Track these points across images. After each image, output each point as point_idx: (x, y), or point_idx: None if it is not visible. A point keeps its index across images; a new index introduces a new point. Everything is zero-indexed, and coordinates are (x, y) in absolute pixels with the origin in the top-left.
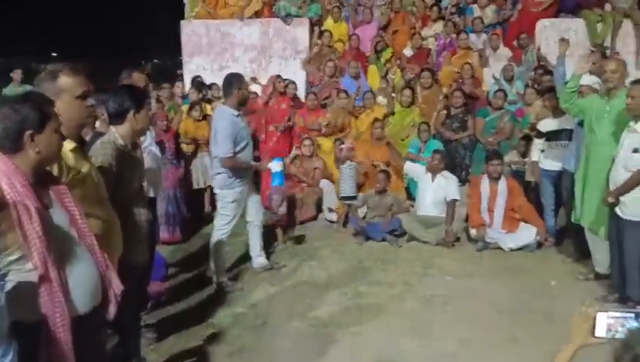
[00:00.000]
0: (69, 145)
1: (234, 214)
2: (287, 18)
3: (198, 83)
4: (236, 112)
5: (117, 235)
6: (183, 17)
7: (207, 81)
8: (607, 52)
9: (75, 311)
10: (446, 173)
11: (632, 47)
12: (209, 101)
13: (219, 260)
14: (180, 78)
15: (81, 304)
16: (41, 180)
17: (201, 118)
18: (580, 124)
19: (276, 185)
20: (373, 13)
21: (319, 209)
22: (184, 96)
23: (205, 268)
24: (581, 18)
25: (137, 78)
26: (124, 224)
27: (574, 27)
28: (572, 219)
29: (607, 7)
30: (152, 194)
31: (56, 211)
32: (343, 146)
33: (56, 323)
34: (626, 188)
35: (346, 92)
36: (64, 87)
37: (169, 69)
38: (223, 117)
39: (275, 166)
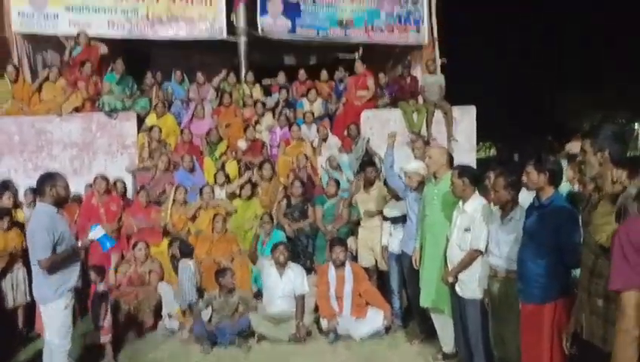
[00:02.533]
0: None
1: (69, 323)
2: (111, 113)
3: (6, 185)
4: (54, 209)
5: None
6: None
7: (20, 183)
8: (426, 138)
9: None
10: (293, 265)
11: (444, 133)
12: (19, 206)
13: None
14: None
15: None
16: None
17: (10, 227)
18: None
19: (110, 248)
20: (204, 108)
21: (158, 316)
22: None
23: None
24: (399, 109)
25: None
26: None
27: (393, 117)
28: (416, 300)
29: (420, 99)
30: None
31: None
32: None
33: None
34: (462, 266)
35: (184, 187)
36: None
37: None
38: (38, 214)
39: (96, 233)
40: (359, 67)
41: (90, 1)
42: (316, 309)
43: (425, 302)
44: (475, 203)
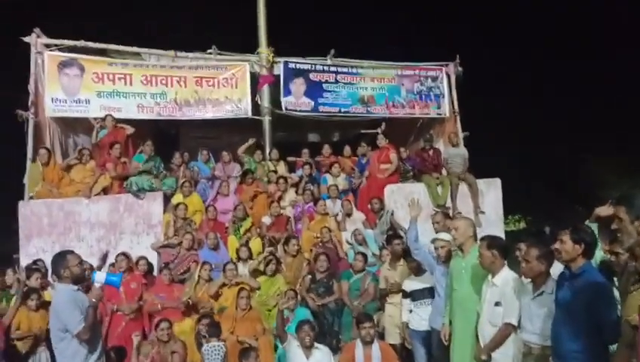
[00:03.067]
0: None
1: None
2: (139, 193)
3: (36, 267)
4: (75, 287)
5: None
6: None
7: (49, 264)
8: (450, 212)
9: None
10: (320, 345)
11: (470, 206)
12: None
13: None
14: (16, 262)
15: None
16: None
17: (38, 307)
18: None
19: (117, 285)
20: (229, 185)
21: None
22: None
23: None
24: (422, 183)
25: None
26: None
27: (417, 191)
28: None
29: (444, 172)
30: None
31: None
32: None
33: None
34: (495, 343)
35: (209, 264)
36: None
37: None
38: (60, 294)
39: (100, 277)
40: (381, 141)
41: (121, 88)
42: None
43: None
44: (505, 276)
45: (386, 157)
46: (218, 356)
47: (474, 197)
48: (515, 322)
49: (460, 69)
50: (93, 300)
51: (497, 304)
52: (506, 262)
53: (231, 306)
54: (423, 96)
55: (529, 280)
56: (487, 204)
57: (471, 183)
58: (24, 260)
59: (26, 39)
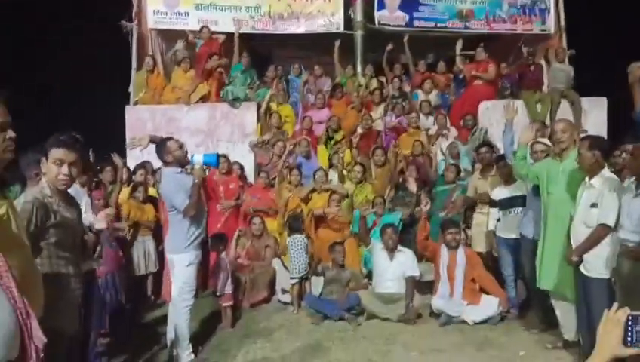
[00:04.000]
0: None
1: (193, 280)
2: (234, 102)
3: (142, 163)
4: (178, 170)
5: (36, 290)
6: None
7: (153, 166)
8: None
9: None
10: (403, 248)
11: None
12: (152, 185)
13: (184, 338)
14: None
15: None
16: None
17: (144, 200)
18: (534, 189)
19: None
20: (324, 98)
21: (272, 290)
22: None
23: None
24: (520, 100)
25: None
26: (48, 285)
27: (515, 107)
28: (536, 286)
29: (544, 88)
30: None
31: None
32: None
33: None
34: (588, 244)
35: (298, 169)
36: None
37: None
38: (166, 176)
39: (198, 159)
40: (480, 54)
41: (218, 1)
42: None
43: (545, 284)
44: (604, 177)
45: (484, 68)
46: (301, 247)
47: (576, 116)
48: (611, 223)
49: None
50: (196, 180)
51: (593, 205)
52: (606, 164)
53: (320, 210)
54: (527, 11)
55: (632, 180)
56: (591, 124)
57: (574, 100)
58: (130, 162)
59: None
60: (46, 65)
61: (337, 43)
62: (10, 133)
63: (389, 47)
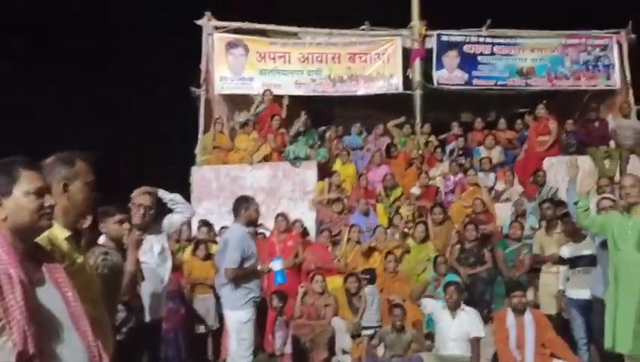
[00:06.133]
0: (62, 233)
1: (251, 337)
2: (295, 161)
3: (207, 221)
4: (246, 229)
5: (108, 339)
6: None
7: (216, 225)
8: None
9: None
10: (466, 307)
11: None
12: (215, 242)
13: None
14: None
15: None
16: (33, 255)
17: (205, 257)
18: (603, 246)
19: (279, 283)
20: (382, 156)
21: (332, 351)
22: (189, 240)
23: None
24: (587, 156)
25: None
26: None
27: (580, 164)
28: (605, 347)
29: (612, 143)
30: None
31: (48, 289)
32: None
33: None
34: None
35: (358, 226)
36: (79, 172)
37: None
38: (233, 231)
39: (275, 265)
40: (541, 111)
41: (280, 65)
42: (494, 360)
43: (621, 347)
44: None
45: (545, 128)
46: (375, 298)
47: None
48: None
49: (632, 36)
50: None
51: None
52: None
53: (379, 268)
54: (590, 67)
55: None
56: None
57: None
58: (194, 220)
59: (199, 22)
60: (119, 129)
61: (401, 119)
62: (50, 201)
63: None
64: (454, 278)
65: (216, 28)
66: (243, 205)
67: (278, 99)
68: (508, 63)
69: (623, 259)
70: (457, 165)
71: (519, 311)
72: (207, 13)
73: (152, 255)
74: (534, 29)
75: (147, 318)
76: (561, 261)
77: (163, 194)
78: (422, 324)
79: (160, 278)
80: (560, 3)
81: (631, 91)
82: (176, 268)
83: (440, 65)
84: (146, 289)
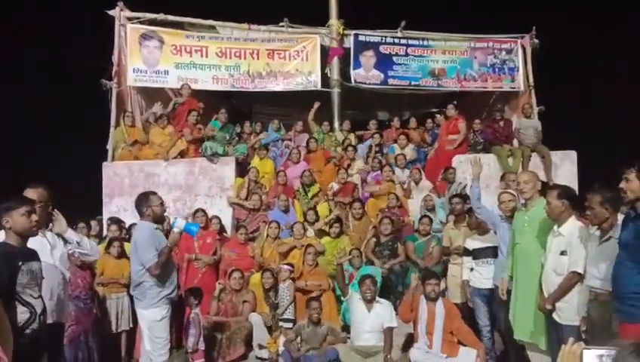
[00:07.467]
0: None
1: (166, 335)
2: (213, 157)
3: (117, 219)
4: (154, 226)
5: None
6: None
7: (128, 221)
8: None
9: None
10: (381, 300)
11: (543, 178)
12: (127, 241)
13: None
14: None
15: None
16: None
17: (119, 255)
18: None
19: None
20: (300, 153)
21: (249, 346)
22: (99, 237)
23: None
24: (492, 154)
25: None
26: None
27: (487, 161)
28: (511, 337)
29: (515, 143)
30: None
31: None
32: (283, 266)
33: None
34: (560, 292)
35: (277, 223)
36: None
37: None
38: (141, 229)
39: (179, 224)
40: (451, 111)
41: (197, 59)
42: (405, 346)
43: (520, 334)
44: (572, 225)
45: (455, 127)
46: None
47: (547, 170)
48: (581, 270)
49: (536, 41)
50: (168, 245)
51: (563, 253)
52: (574, 212)
53: (298, 263)
54: (497, 70)
55: (596, 227)
56: (562, 177)
57: (544, 154)
58: (105, 217)
59: (111, 12)
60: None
61: (316, 105)
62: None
63: None
64: (369, 271)
65: (129, 19)
66: (144, 203)
67: (196, 93)
68: (421, 64)
69: (520, 250)
70: (377, 162)
71: (432, 299)
72: (120, 3)
73: (52, 254)
74: (446, 32)
75: (50, 320)
76: (466, 252)
77: (70, 235)
78: (337, 318)
79: (62, 277)
80: (470, 8)
81: (533, 93)
82: (87, 266)
83: (357, 65)
84: (47, 290)
